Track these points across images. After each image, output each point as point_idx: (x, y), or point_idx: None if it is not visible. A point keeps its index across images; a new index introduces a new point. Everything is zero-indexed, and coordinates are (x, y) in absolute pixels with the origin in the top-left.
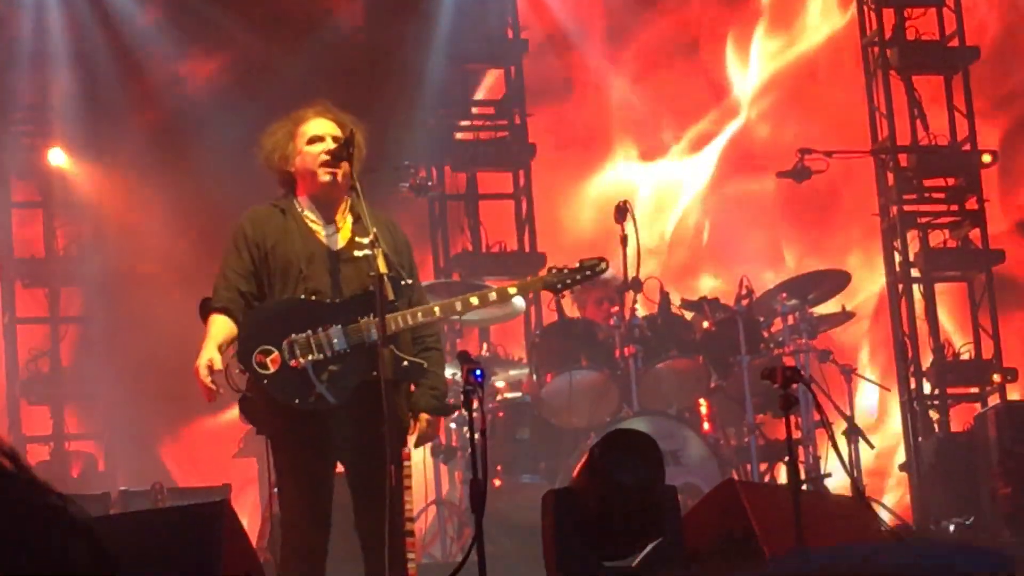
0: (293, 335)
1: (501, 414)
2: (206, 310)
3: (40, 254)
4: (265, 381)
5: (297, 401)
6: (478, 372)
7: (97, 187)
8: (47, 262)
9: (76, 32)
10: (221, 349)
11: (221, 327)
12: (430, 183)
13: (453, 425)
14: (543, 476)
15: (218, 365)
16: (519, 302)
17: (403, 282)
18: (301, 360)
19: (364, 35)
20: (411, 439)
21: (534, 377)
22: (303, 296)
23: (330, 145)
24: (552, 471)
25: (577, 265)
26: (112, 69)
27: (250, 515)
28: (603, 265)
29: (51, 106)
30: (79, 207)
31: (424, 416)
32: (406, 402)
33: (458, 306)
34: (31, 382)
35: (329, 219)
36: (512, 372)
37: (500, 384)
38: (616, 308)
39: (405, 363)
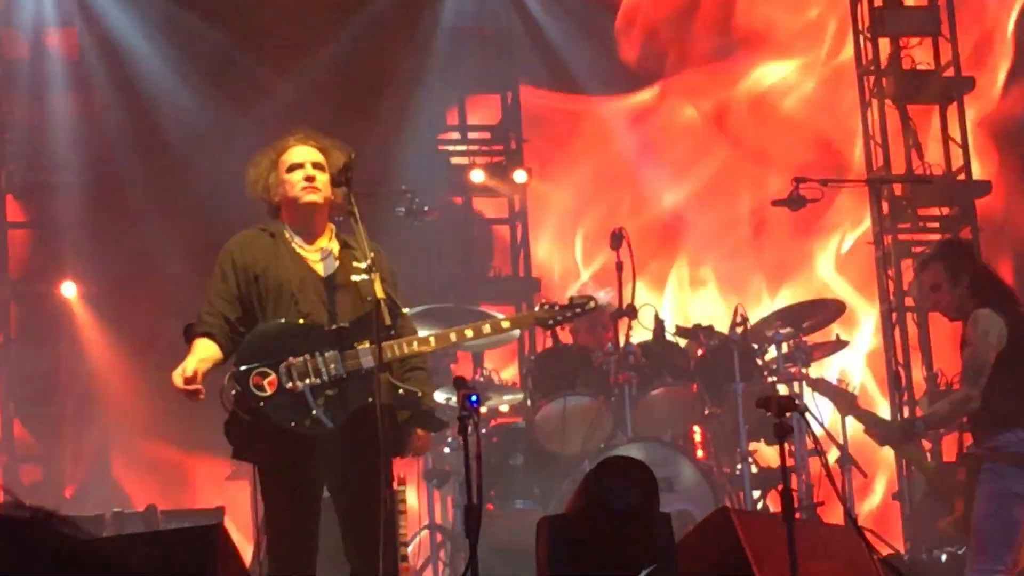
0: (291, 358)
1: (495, 439)
2: (190, 336)
3: (36, 274)
4: (261, 403)
5: (293, 424)
6: (474, 398)
7: (91, 209)
8: (43, 282)
9: (74, 56)
10: (200, 366)
11: (203, 347)
12: (425, 208)
13: (447, 450)
14: (536, 502)
15: (188, 373)
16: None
17: (400, 311)
18: (299, 384)
19: (360, 59)
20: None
21: (528, 402)
22: (300, 320)
23: (309, 171)
24: (546, 497)
25: (567, 302)
26: (109, 91)
27: (243, 538)
28: (591, 304)
29: (49, 128)
30: (73, 229)
31: (419, 433)
32: (399, 421)
33: (453, 337)
34: (26, 403)
35: (314, 245)
36: (506, 397)
37: (503, 408)
38: (610, 334)
39: (401, 391)
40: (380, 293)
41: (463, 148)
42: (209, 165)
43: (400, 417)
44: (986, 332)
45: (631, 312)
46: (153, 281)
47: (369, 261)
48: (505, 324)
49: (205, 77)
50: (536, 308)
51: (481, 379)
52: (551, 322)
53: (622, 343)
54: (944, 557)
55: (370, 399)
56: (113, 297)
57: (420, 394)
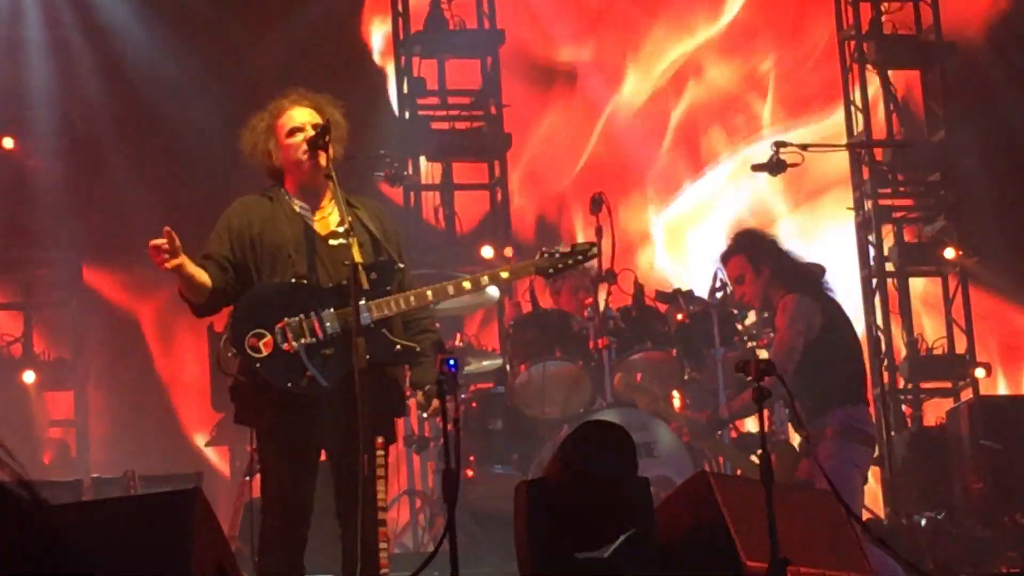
0: (286, 319)
1: (474, 404)
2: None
3: (15, 238)
4: (258, 365)
5: (290, 384)
6: (452, 362)
7: (71, 172)
8: (21, 248)
9: (51, 17)
10: (187, 263)
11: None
12: (405, 173)
13: (425, 415)
14: (516, 467)
15: (166, 240)
16: (493, 290)
17: (397, 266)
18: (294, 343)
19: (338, 22)
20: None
21: (507, 368)
22: (295, 280)
23: (310, 133)
24: (525, 462)
25: (569, 249)
26: (87, 52)
27: (221, 504)
28: (595, 250)
29: (25, 90)
30: (53, 192)
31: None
32: (403, 382)
33: (451, 289)
34: (3, 368)
35: (316, 206)
36: (485, 362)
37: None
38: (590, 299)
39: (398, 347)
40: (359, 257)
41: (443, 112)
42: (188, 127)
43: (402, 377)
44: (794, 319)
45: (611, 277)
46: (131, 247)
47: (346, 225)
48: (504, 275)
49: (184, 39)
50: (536, 257)
51: (460, 344)
52: (551, 270)
53: (602, 308)
54: (924, 522)
55: (367, 357)
56: (90, 260)
57: (417, 348)
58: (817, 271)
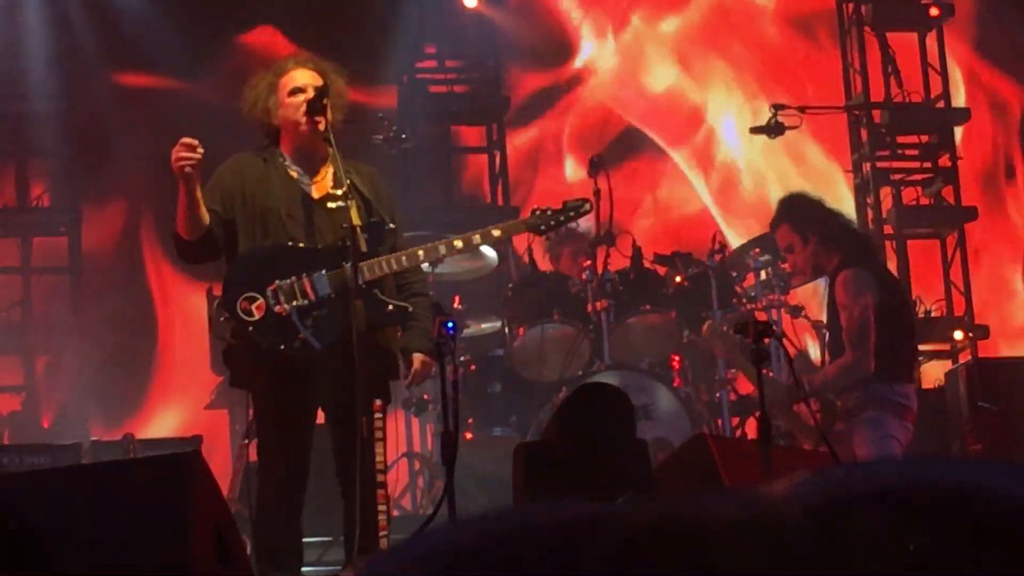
0: (278, 281)
1: (473, 367)
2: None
3: (12, 203)
4: (250, 328)
5: (282, 347)
6: (450, 324)
7: (67, 133)
8: (20, 212)
9: None
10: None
11: None
12: (403, 136)
13: (406, 384)
14: (514, 429)
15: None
16: (491, 254)
17: (387, 226)
18: (286, 306)
19: None
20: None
21: (506, 330)
22: (287, 243)
23: (311, 95)
24: (523, 424)
25: (561, 206)
26: (81, 11)
27: (221, 467)
28: (587, 206)
29: (23, 55)
30: (50, 156)
31: (419, 356)
32: (395, 345)
33: (442, 249)
34: (2, 332)
35: (313, 169)
36: (484, 325)
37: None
38: (589, 262)
39: (390, 307)
40: (356, 220)
41: (441, 76)
42: (185, 88)
43: (394, 339)
44: (859, 292)
45: (609, 239)
46: (129, 209)
47: (344, 188)
48: (496, 232)
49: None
50: (528, 215)
51: (460, 307)
52: (543, 227)
53: (600, 270)
54: None
55: (363, 319)
56: (90, 228)
57: (410, 308)
58: (865, 237)
